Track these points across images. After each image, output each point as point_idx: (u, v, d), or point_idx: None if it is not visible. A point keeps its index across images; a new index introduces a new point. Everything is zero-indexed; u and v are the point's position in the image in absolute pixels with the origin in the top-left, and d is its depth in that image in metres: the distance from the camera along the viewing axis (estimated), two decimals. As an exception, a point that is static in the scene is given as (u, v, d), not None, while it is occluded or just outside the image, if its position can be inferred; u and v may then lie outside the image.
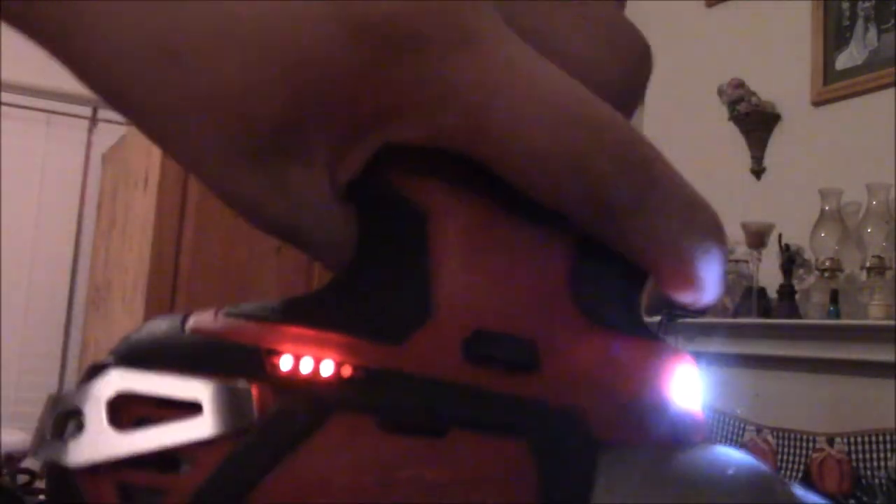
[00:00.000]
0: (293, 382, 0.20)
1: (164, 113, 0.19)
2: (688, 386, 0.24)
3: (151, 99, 0.18)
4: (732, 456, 0.22)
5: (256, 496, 0.19)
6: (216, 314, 0.22)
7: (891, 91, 2.47)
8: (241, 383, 0.20)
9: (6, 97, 3.68)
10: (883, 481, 2.16)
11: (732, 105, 2.88)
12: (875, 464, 2.19)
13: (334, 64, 0.18)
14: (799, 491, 0.22)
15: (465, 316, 0.21)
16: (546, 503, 0.20)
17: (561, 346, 0.21)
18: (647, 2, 3.47)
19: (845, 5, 2.66)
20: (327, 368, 0.20)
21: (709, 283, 0.23)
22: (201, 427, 0.19)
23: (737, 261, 2.73)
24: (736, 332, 2.66)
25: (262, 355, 0.20)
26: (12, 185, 3.70)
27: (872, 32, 2.57)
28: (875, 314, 2.24)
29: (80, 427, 0.20)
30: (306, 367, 0.20)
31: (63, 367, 3.75)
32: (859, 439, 2.23)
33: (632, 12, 3.49)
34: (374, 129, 0.19)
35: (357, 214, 0.21)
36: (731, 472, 0.22)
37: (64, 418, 0.21)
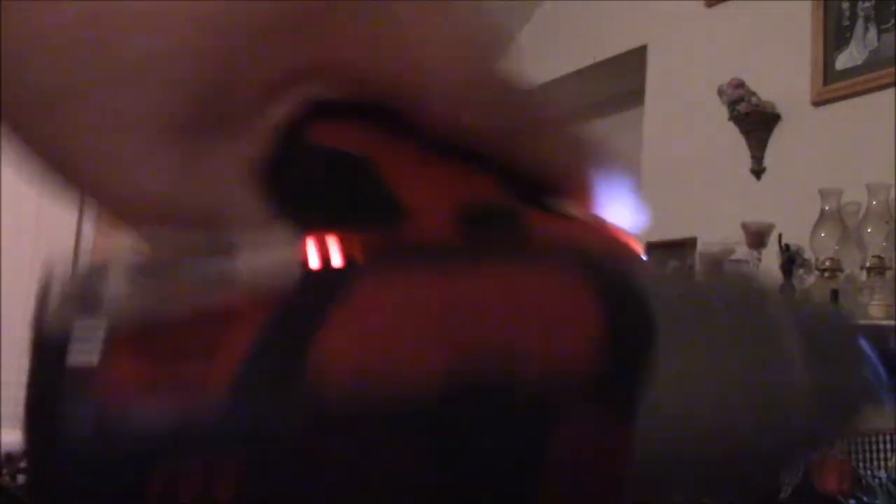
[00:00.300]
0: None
1: (85, 89, 0.18)
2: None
3: (69, 79, 0.18)
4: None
5: (303, 375, 0.18)
6: None
7: (891, 91, 2.47)
8: (290, 249, 0.19)
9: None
10: (883, 481, 2.16)
11: (732, 105, 2.88)
12: (875, 464, 2.19)
13: (255, 20, 0.18)
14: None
15: (441, 208, 0.21)
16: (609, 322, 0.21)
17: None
18: (648, 2, 3.47)
19: (845, 5, 2.66)
20: (335, 251, 0.20)
21: (598, 192, 0.25)
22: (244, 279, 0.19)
23: (737, 261, 2.73)
24: (736, 332, 2.65)
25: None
26: (12, 184, 3.70)
27: (872, 32, 2.57)
28: (875, 314, 2.24)
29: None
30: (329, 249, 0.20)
31: (63, 367, 3.74)
32: (859, 439, 2.23)
33: (632, 12, 3.49)
34: (295, 86, 0.20)
35: (282, 181, 0.21)
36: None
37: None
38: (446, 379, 0.18)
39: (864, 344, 0.26)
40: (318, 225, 0.20)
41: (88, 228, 3.86)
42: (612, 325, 0.21)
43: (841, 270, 2.38)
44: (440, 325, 0.19)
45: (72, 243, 3.89)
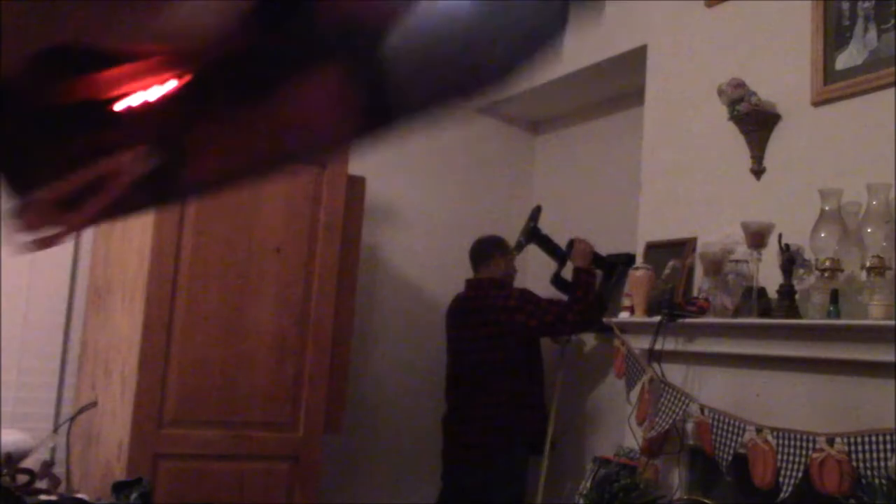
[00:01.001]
0: (154, 107, 0.28)
1: None
2: None
3: None
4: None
5: (185, 176, 0.27)
6: None
7: (891, 91, 2.47)
8: (135, 149, 0.30)
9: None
10: (883, 481, 2.16)
11: (732, 105, 2.88)
12: (875, 464, 2.19)
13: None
14: None
15: None
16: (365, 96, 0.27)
17: None
18: (648, 2, 3.47)
19: (845, 5, 2.66)
20: (161, 90, 0.29)
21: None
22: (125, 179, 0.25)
23: (737, 261, 2.73)
24: (736, 332, 2.66)
25: (114, 101, 0.27)
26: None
27: (872, 32, 2.57)
28: (875, 314, 2.24)
29: None
30: (151, 94, 0.28)
31: (63, 367, 3.75)
32: (859, 439, 2.23)
33: (632, 12, 3.49)
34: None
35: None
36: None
37: None
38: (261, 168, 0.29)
39: None
40: None
41: (88, 228, 3.86)
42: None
43: (841, 270, 2.38)
44: None
45: (71, 244, 3.89)
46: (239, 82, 0.27)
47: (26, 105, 0.27)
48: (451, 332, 3.81)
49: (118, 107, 0.26)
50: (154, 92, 0.26)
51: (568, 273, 3.73)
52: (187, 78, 0.26)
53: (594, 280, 3.62)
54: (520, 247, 3.88)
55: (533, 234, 3.84)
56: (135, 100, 0.26)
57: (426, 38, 0.29)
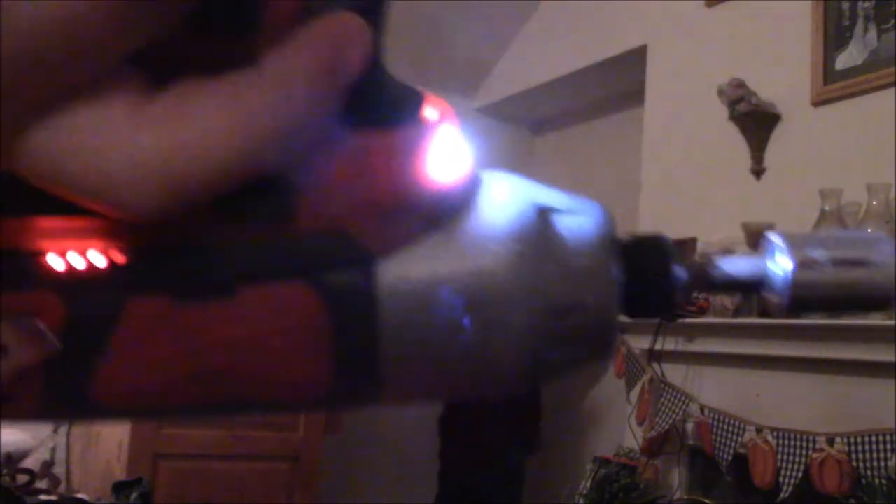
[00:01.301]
0: (74, 280, 0.21)
1: None
2: (448, 156, 0.24)
3: None
4: (497, 228, 0.24)
5: (93, 389, 0.21)
6: None
7: (891, 91, 2.47)
8: (26, 319, 0.20)
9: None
10: (883, 481, 2.16)
11: (732, 105, 2.88)
12: (875, 464, 2.19)
13: None
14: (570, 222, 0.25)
15: None
16: (339, 347, 0.21)
17: (317, 172, 0.22)
18: (648, 2, 3.47)
19: (845, 5, 2.66)
20: (98, 259, 0.21)
21: None
22: (10, 366, 0.20)
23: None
24: (736, 332, 2.66)
25: (30, 259, 0.21)
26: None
27: (872, 32, 2.57)
28: (875, 314, 2.24)
29: None
30: (77, 261, 0.21)
31: (63, 367, 3.75)
32: (859, 439, 2.23)
33: (632, 12, 3.49)
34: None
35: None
36: (499, 245, 0.23)
37: None
38: (192, 403, 0.22)
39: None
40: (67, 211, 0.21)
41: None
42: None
43: (841, 270, 2.38)
44: (189, 361, 0.22)
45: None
46: (192, 270, 0.21)
47: None
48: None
49: (49, 266, 0.20)
50: (95, 258, 0.21)
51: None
52: (129, 250, 0.21)
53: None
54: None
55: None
56: (73, 262, 0.21)
57: (430, 317, 0.22)
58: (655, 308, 0.27)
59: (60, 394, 0.21)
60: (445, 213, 0.23)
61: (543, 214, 0.25)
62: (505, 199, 0.24)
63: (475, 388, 0.25)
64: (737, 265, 0.28)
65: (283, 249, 0.21)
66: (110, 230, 0.21)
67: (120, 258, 0.21)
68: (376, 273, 0.22)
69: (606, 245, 0.25)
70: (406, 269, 0.22)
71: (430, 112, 0.24)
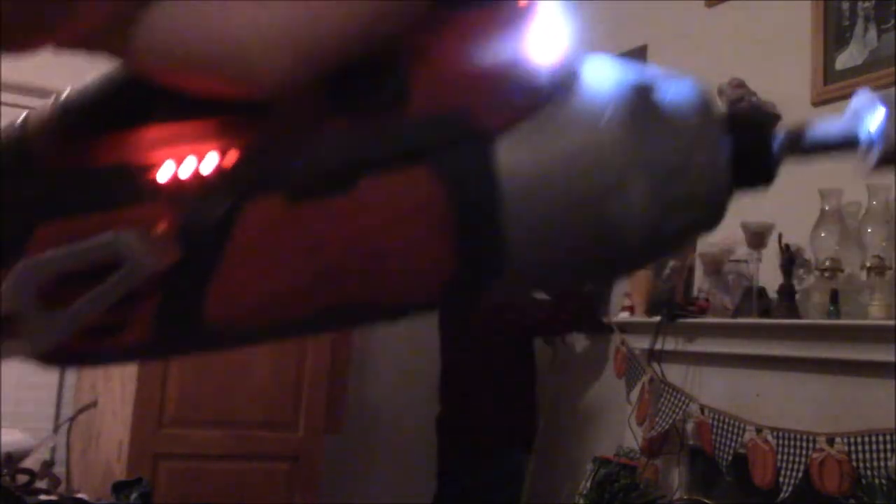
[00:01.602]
0: (187, 189, 0.20)
1: None
2: (545, 34, 0.24)
3: None
4: (605, 97, 0.24)
5: (208, 307, 0.20)
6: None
7: (890, 91, 2.47)
8: (142, 231, 0.19)
9: (6, 97, 3.68)
10: (883, 481, 2.16)
11: (732, 105, 2.88)
12: (875, 464, 2.19)
13: None
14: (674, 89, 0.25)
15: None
16: (462, 229, 0.21)
17: (426, 53, 0.21)
18: (648, 2, 3.47)
19: (845, 5, 2.66)
20: (209, 165, 0.20)
21: None
22: (128, 284, 0.19)
23: (737, 261, 2.73)
24: (736, 332, 2.66)
25: (141, 172, 0.19)
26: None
27: (872, 32, 2.57)
28: (875, 314, 2.24)
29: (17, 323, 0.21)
30: (188, 170, 0.20)
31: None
32: (859, 439, 2.23)
33: (632, 12, 3.49)
34: None
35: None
36: (607, 115, 0.23)
37: None
38: (316, 312, 0.22)
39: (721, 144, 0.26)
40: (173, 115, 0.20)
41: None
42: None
43: (841, 270, 2.38)
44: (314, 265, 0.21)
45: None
46: (307, 165, 0.20)
47: (37, 165, 0.20)
48: (444, 331, 3.81)
49: (161, 176, 0.19)
50: (206, 163, 0.19)
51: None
52: (241, 151, 0.19)
53: (594, 280, 3.62)
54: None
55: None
56: (184, 170, 0.19)
57: (554, 190, 0.21)
58: (758, 171, 0.28)
59: (174, 317, 0.20)
60: (553, 89, 0.23)
61: (645, 87, 0.25)
62: (606, 75, 0.24)
63: (597, 266, 0.25)
64: (828, 128, 0.31)
65: (399, 135, 0.21)
66: (220, 130, 0.19)
67: (231, 161, 0.20)
68: (493, 151, 0.21)
69: (708, 111, 0.26)
70: (522, 146, 0.22)
71: None
